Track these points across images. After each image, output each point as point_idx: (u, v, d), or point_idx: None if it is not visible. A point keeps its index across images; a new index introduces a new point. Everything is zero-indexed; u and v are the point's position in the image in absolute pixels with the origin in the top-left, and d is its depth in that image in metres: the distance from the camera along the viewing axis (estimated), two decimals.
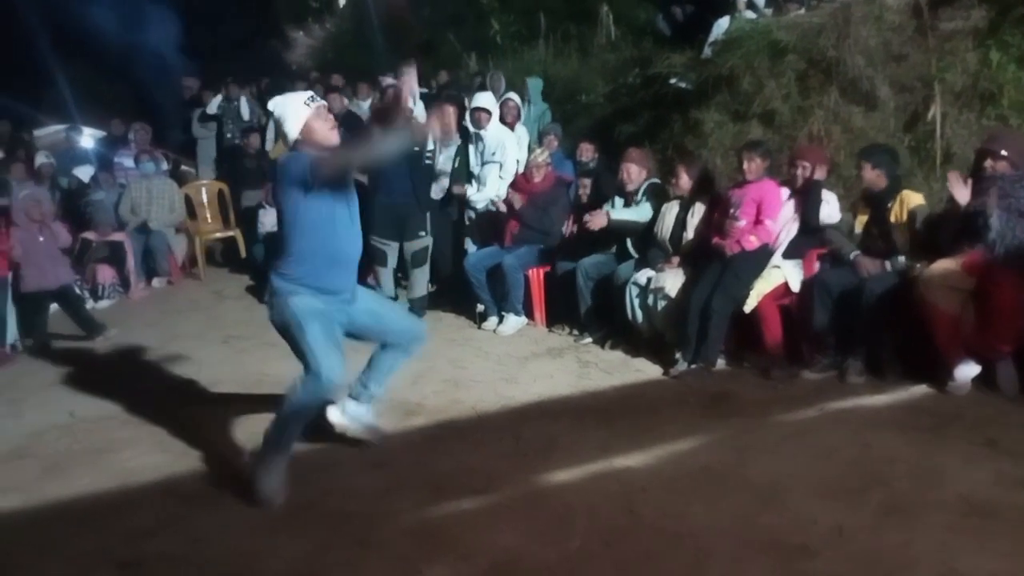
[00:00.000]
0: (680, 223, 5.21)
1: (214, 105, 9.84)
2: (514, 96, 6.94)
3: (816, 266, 4.74)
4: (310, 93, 3.48)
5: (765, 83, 5.81)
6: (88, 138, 10.50)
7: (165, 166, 8.83)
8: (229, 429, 4.22)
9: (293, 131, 3.30)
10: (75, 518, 3.39)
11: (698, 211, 5.16)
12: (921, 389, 4.08)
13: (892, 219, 4.43)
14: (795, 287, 4.63)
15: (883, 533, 2.80)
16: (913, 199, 4.41)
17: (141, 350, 5.89)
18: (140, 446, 4.08)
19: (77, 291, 6.95)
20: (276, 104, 3.41)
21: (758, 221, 4.72)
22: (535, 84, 7.91)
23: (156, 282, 8.28)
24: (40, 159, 8.51)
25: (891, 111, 5.58)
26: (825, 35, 5.60)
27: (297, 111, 3.30)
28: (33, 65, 12.67)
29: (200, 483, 3.62)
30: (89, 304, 7.25)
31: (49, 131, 11.32)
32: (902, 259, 4.36)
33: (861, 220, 4.64)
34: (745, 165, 4.80)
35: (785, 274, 4.65)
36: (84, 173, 8.70)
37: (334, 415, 3.72)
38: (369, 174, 6.37)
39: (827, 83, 5.67)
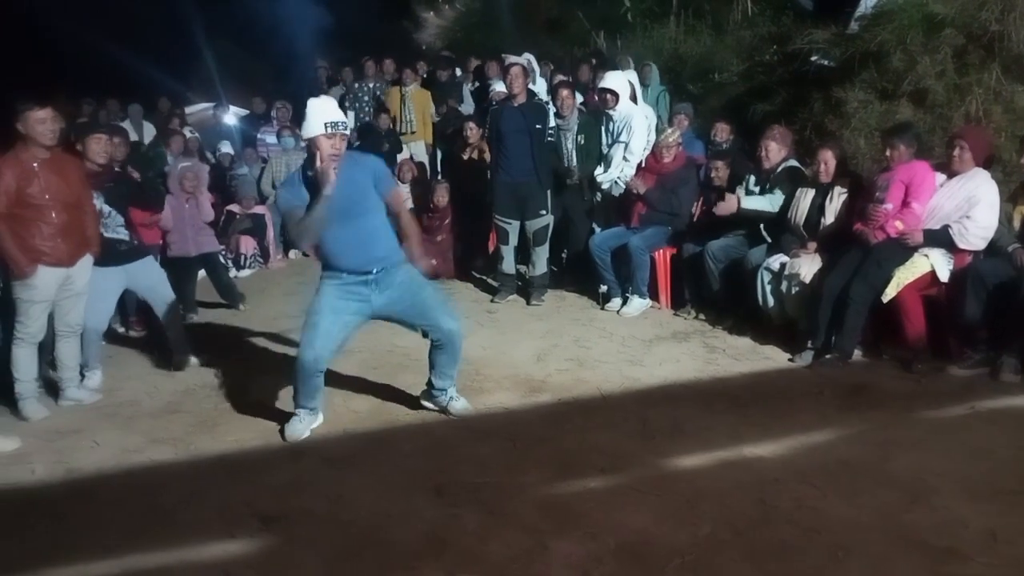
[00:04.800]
0: (817, 208, 4.98)
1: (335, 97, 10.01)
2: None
3: (968, 256, 4.44)
4: (333, 121, 3.69)
5: (918, 60, 5.46)
6: (232, 116, 11.05)
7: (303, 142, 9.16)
8: (361, 395, 4.39)
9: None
10: (222, 471, 3.60)
11: (836, 196, 4.92)
12: None
13: None
14: (943, 277, 4.36)
15: None
16: None
17: (280, 318, 6.18)
18: (280, 407, 4.29)
19: (221, 261, 7.34)
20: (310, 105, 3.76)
21: (905, 204, 4.46)
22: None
23: (292, 254, 8.66)
24: (186, 134, 9.01)
25: None
26: (988, 8, 5.22)
27: (311, 126, 3.70)
28: (183, 45, 13.46)
29: (337, 445, 3.77)
30: (232, 273, 7.67)
31: (197, 108, 11.99)
32: None
33: (1021, 210, 4.32)
34: (888, 153, 4.55)
35: (932, 263, 4.38)
36: (225, 148, 9.18)
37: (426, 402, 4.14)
38: (492, 152, 6.42)
39: (988, 60, 5.29)
